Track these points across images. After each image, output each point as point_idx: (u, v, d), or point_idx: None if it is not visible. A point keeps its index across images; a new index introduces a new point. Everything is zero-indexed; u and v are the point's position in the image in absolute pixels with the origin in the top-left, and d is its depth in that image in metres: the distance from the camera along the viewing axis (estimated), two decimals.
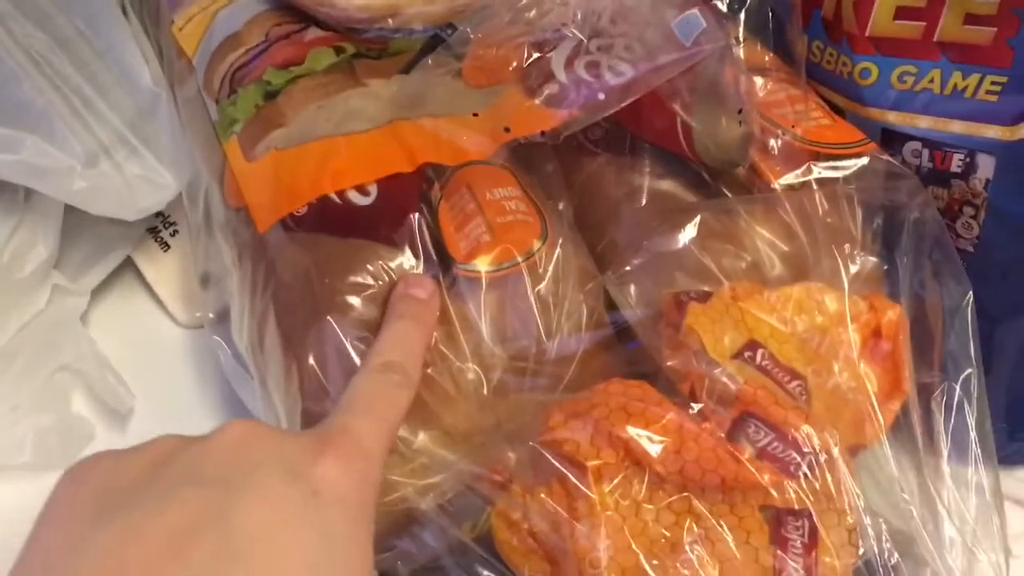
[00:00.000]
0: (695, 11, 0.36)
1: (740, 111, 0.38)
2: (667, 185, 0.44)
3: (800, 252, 0.42)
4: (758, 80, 0.44)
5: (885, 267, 0.43)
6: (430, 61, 0.41)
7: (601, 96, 0.38)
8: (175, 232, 0.56)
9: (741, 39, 0.42)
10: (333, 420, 0.31)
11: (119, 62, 0.53)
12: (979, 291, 0.46)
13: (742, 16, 0.41)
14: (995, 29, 0.40)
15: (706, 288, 0.39)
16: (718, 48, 0.36)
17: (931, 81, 0.42)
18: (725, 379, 0.35)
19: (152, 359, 0.53)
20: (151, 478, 0.27)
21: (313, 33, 0.46)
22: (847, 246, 0.42)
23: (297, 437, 0.30)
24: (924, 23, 0.42)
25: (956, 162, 0.43)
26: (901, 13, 0.42)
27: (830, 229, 0.43)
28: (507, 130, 0.39)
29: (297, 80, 0.43)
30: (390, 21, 0.46)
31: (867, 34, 0.43)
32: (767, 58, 0.46)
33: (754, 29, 0.46)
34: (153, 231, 0.57)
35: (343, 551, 0.28)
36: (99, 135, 0.51)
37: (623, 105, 0.38)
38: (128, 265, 0.56)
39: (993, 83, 0.41)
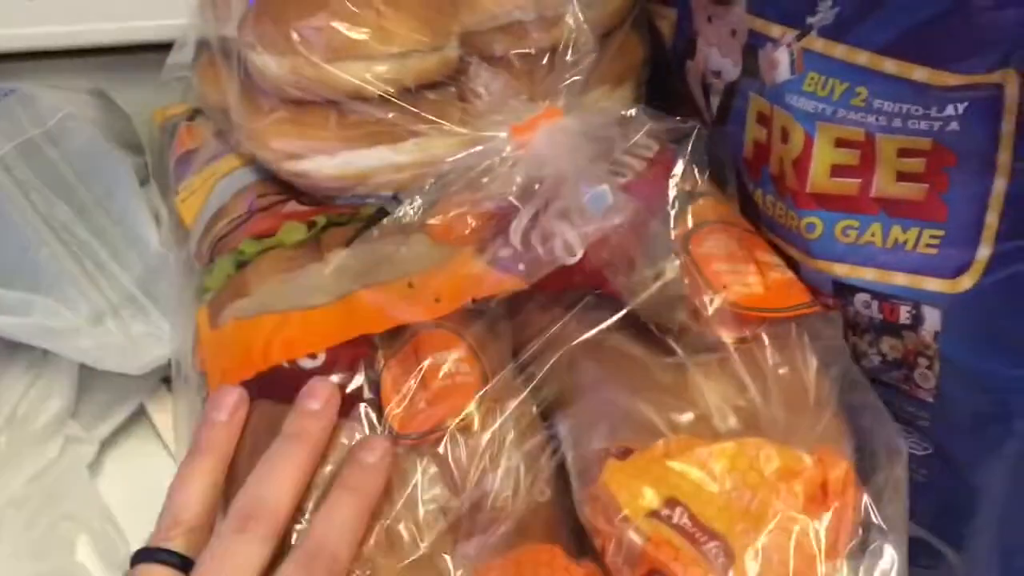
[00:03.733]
0: (604, 187, 0.38)
1: (657, 276, 0.39)
2: (616, 339, 0.45)
3: (751, 405, 0.43)
4: (705, 236, 0.45)
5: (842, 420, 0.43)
6: (375, 233, 0.44)
7: (521, 267, 0.39)
8: None
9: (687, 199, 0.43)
10: None
11: (132, 227, 0.58)
12: (946, 442, 0.45)
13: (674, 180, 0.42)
14: (927, 185, 0.41)
15: (630, 445, 0.39)
16: (626, 222, 0.38)
17: (873, 235, 0.43)
18: (632, 535, 0.35)
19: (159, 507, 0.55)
20: None
21: (292, 207, 0.50)
22: (801, 397, 0.43)
23: None
24: (859, 180, 0.42)
25: (904, 314, 0.43)
26: (836, 171, 0.43)
27: (783, 381, 0.43)
28: (438, 300, 0.41)
29: (266, 252, 0.47)
30: (360, 189, 0.49)
31: (807, 190, 0.44)
32: (719, 209, 0.47)
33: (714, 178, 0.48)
34: (167, 381, 0.60)
35: None
36: (109, 295, 0.56)
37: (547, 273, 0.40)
38: (143, 411, 0.59)
39: (932, 237, 0.41)
